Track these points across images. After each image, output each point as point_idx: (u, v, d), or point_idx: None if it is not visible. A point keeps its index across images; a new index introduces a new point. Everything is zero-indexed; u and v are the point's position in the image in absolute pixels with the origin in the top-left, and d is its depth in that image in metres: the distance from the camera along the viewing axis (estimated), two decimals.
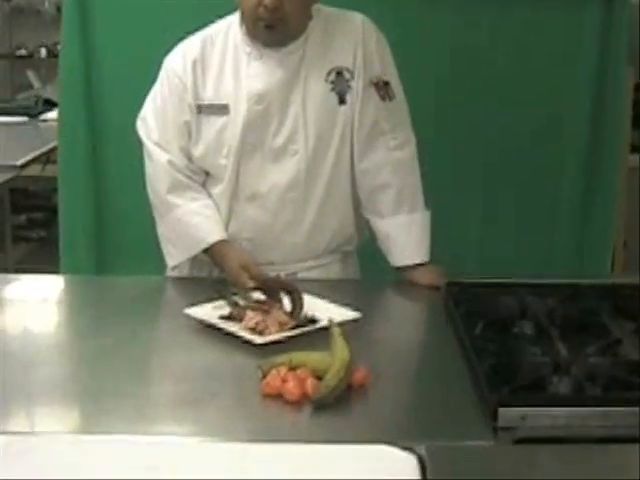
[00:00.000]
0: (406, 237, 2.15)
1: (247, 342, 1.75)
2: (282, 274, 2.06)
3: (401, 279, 2.15)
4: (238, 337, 1.76)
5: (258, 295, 1.93)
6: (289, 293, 1.90)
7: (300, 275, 2.14)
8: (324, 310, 1.85)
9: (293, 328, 1.80)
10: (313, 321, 1.83)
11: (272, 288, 1.92)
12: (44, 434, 1.41)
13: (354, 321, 1.85)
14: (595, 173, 2.71)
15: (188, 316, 1.86)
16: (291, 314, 1.85)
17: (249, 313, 1.83)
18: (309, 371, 1.56)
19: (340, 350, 1.59)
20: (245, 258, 2.04)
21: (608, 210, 2.74)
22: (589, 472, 1.28)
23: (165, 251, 2.18)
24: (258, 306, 1.86)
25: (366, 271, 2.28)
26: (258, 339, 1.75)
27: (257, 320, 1.79)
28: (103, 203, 2.77)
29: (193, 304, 1.89)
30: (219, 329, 1.80)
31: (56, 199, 2.81)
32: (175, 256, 2.17)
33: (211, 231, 2.10)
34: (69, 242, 2.76)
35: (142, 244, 2.50)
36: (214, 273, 2.14)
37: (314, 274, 2.16)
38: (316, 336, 1.76)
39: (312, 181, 2.10)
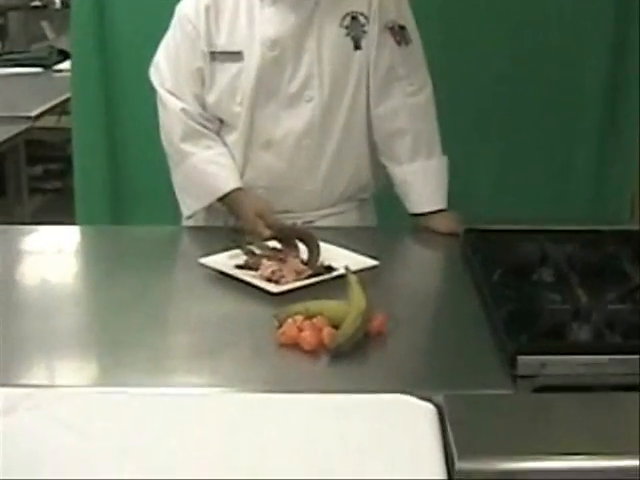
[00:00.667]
0: (423, 184, 2.14)
1: (263, 291, 1.74)
2: (298, 222, 2.06)
3: (418, 226, 2.14)
4: (254, 286, 1.75)
5: (274, 244, 1.92)
6: (305, 241, 1.89)
7: (316, 223, 2.14)
8: (341, 258, 1.84)
9: (309, 277, 1.79)
10: (330, 269, 1.81)
11: (288, 236, 1.91)
12: (62, 387, 1.41)
13: (371, 269, 1.84)
14: (615, 115, 2.67)
15: (203, 266, 1.85)
16: (307, 262, 1.84)
17: (265, 262, 1.82)
18: (326, 320, 1.55)
19: (357, 298, 1.58)
20: (261, 206, 2.03)
21: (628, 154, 2.71)
22: (608, 420, 1.27)
23: (180, 200, 2.18)
24: (274, 255, 1.85)
25: (383, 219, 2.28)
26: (274, 288, 1.74)
27: (273, 269, 1.79)
28: (117, 153, 2.76)
29: (208, 253, 1.89)
30: (235, 278, 1.79)
31: (71, 150, 2.80)
32: (190, 205, 2.16)
33: (226, 179, 2.09)
34: (84, 192, 2.76)
35: (157, 193, 2.51)
36: (230, 222, 2.14)
37: (330, 222, 2.15)
38: (333, 284, 1.75)
39: (327, 127, 2.08)
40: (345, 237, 1.99)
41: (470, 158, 2.66)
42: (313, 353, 1.50)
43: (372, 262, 1.86)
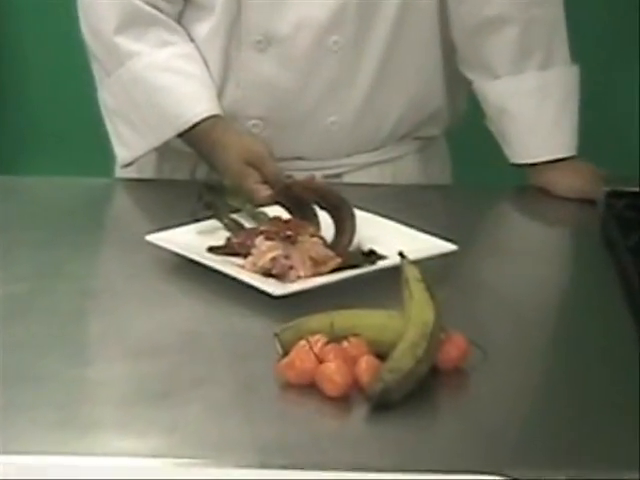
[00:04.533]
0: (536, 112, 2.16)
1: (257, 292, 1.73)
2: (318, 176, 2.06)
3: (527, 186, 2.18)
4: (241, 283, 1.75)
5: (276, 211, 1.94)
6: (331, 209, 1.90)
7: (348, 178, 2.21)
8: (391, 238, 1.86)
9: (337, 269, 1.79)
10: (372, 257, 1.82)
11: (301, 200, 1.92)
12: None
13: (444, 257, 1.85)
14: None
15: (154, 246, 1.86)
16: (334, 245, 1.85)
17: (261, 243, 1.81)
18: (364, 344, 1.55)
19: (418, 308, 1.58)
20: (254, 148, 2.06)
21: None
22: None
23: (114, 136, 2.21)
24: (276, 230, 1.84)
25: (464, 172, 2.31)
26: (276, 288, 1.73)
27: (275, 254, 1.79)
28: (4, 59, 2.79)
29: (162, 226, 1.91)
30: (208, 270, 1.79)
31: None
32: (132, 144, 2.19)
33: (194, 100, 2.12)
34: None
35: (67, 126, 2.65)
36: (199, 173, 2.19)
37: (373, 176, 2.22)
38: (377, 283, 1.76)
39: (370, 14, 2.11)
40: (398, 202, 2.04)
41: (617, 78, 2.77)
42: (341, 401, 1.49)
43: (445, 246, 1.87)
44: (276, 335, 1.59)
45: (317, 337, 1.55)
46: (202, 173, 2.18)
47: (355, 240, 1.87)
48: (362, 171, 2.21)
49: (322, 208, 1.91)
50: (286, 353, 1.55)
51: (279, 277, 1.77)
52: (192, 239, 1.88)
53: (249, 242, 1.83)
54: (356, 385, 1.50)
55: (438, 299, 1.58)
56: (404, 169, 2.23)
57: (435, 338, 1.54)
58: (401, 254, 1.68)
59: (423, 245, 1.85)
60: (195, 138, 2.12)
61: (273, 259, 1.79)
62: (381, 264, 1.80)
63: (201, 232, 1.90)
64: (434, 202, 2.12)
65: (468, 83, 2.20)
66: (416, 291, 1.60)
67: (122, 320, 1.74)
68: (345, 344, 1.55)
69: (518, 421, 1.52)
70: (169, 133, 2.13)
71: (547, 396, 1.60)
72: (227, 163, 2.05)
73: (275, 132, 2.15)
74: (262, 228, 1.86)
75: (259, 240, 1.82)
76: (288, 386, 1.53)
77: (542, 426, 1.50)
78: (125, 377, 1.59)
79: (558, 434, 1.47)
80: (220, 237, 1.88)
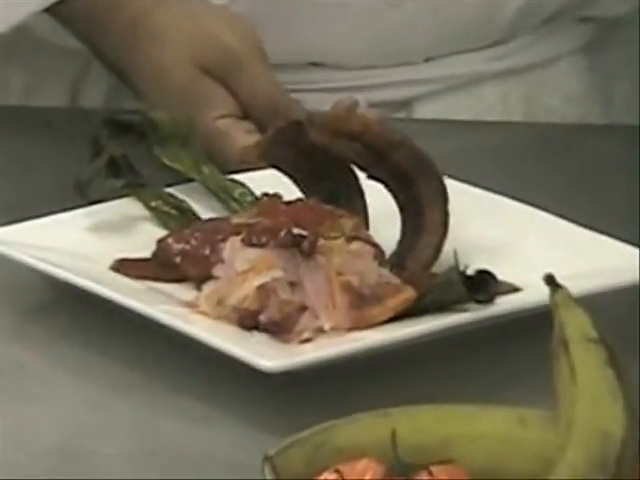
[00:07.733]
0: None
1: (226, 362, 1.66)
2: (364, 105, 2.07)
3: None
4: (193, 344, 1.72)
5: (270, 182, 1.98)
6: (392, 179, 1.93)
7: (427, 110, 2.42)
8: (527, 244, 1.94)
9: (404, 315, 1.78)
10: (484, 287, 1.80)
11: (326, 158, 1.94)
12: None
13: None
14: None
15: (2, 259, 1.91)
16: (400, 258, 1.91)
17: (236, 254, 1.81)
18: (463, 475, 1.47)
19: (590, 400, 1.49)
20: (223, 39, 2.22)
21: None
22: None
23: None
24: (269, 226, 1.81)
25: None
26: (271, 354, 1.72)
27: (267, 280, 1.78)
28: None
29: (18, 217, 1.97)
30: (117, 311, 1.77)
31: None
32: None
33: None
34: None
35: None
36: (90, 94, 2.41)
37: (480, 107, 2.46)
38: (494, 343, 1.81)
39: None
40: (540, 163, 2.23)
41: None
42: None
43: None
44: (267, 460, 1.49)
45: (362, 463, 1.47)
46: (98, 93, 2.14)
47: (446, 247, 1.80)
48: (458, 94, 2.26)
49: (371, 177, 1.89)
50: None
51: (276, 331, 1.75)
52: (79, 241, 1.90)
53: (208, 252, 1.77)
54: None
55: (633, 382, 1.48)
56: (552, 90, 2.25)
57: (626, 467, 1.44)
58: (551, 280, 1.56)
59: (601, 261, 1.86)
60: (90, 16, 2.07)
61: (261, 290, 1.70)
62: (504, 304, 1.78)
63: (98, 226, 1.89)
64: (619, 161, 2.05)
65: None
66: (585, 365, 1.51)
67: None
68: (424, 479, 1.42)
69: None
70: (32, 5, 2.08)
71: None
72: (162, 70, 2.08)
73: (268, 6, 2.11)
74: (237, 220, 1.82)
75: (231, 247, 1.76)
76: None
77: None
78: None
79: None
80: (141, 238, 1.91)
